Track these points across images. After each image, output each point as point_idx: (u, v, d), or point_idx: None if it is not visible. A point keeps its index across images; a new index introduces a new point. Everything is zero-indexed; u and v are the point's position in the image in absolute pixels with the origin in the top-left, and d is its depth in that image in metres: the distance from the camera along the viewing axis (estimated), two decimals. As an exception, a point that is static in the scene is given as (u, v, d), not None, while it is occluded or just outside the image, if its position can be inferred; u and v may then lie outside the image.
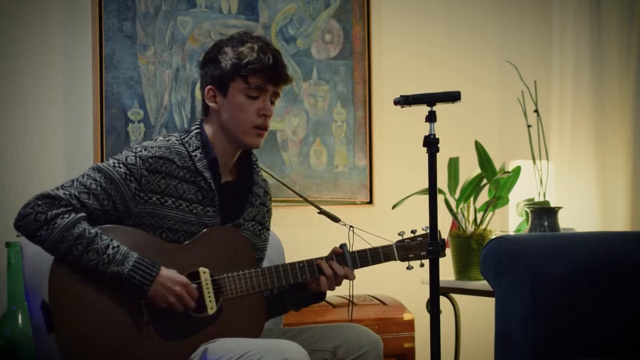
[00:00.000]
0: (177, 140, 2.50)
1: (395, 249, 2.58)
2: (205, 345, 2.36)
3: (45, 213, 2.32)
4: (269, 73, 2.48)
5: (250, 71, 2.47)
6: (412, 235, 2.61)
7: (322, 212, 2.69)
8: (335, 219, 2.66)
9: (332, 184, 3.83)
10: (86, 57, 3.43)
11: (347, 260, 2.54)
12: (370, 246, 2.57)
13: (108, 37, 3.45)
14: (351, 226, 2.60)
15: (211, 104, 2.52)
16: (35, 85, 3.39)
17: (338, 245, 2.56)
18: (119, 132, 3.46)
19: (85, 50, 3.43)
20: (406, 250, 2.59)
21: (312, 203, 2.71)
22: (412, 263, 2.60)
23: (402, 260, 2.59)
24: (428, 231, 2.47)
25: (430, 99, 2.41)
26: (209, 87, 2.52)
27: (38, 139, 3.38)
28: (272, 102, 2.53)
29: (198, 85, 3.60)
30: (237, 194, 2.56)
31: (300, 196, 2.74)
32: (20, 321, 3.06)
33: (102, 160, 3.35)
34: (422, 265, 2.59)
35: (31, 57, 3.38)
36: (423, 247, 2.57)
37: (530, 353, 2.59)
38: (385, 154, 3.96)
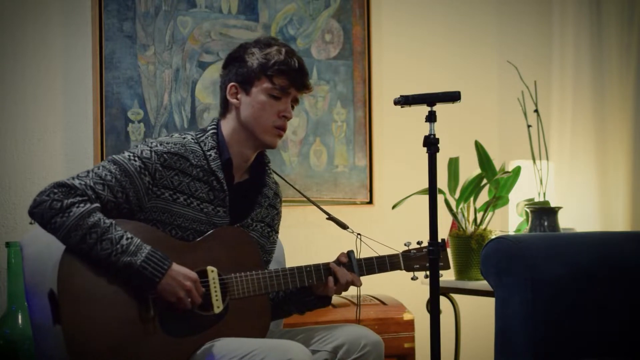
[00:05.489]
0: (192, 138, 2.52)
1: (401, 258, 2.62)
2: (209, 344, 2.37)
3: (61, 201, 2.32)
4: (294, 76, 2.52)
5: (276, 71, 2.50)
6: (418, 246, 2.65)
7: (330, 218, 2.69)
8: (344, 226, 2.67)
9: (332, 184, 3.83)
10: (86, 57, 3.43)
11: (353, 267, 2.55)
12: (374, 252, 2.60)
13: (108, 37, 3.45)
14: (359, 234, 2.62)
15: (232, 100, 2.54)
16: (35, 85, 3.38)
17: (343, 250, 2.58)
18: (119, 132, 3.46)
19: (85, 50, 3.43)
20: (411, 260, 2.63)
21: (321, 209, 2.70)
22: (417, 274, 2.65)
23: (408, 270, 2.64)
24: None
25: (430, 99, 2.41)
26: (232, 84, 2.54)
27: (38, 139, 3.38)
28: (292, 108, 2.56)
29: (198, 86, 3.60)
30: (247, 194, 2.58)
31: (311, 201, 2.72)
32: (20, 321, 3.06)
33: (102, 160, 3.34)
34: (426, 276, 2.60)
35: (31, 57, 3.38)
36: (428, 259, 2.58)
37: (530, 353, 2.59)
38: (385, 154, 3.96)
